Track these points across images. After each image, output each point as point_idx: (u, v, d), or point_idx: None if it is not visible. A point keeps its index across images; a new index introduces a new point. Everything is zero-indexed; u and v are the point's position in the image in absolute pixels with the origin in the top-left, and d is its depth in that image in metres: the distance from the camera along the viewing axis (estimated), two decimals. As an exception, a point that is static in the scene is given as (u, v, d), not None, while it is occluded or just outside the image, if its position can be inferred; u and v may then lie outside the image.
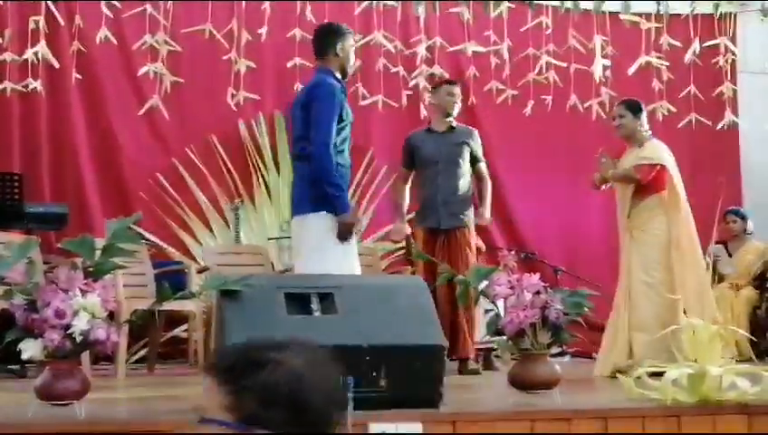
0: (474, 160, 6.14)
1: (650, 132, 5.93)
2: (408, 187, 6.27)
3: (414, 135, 6.27)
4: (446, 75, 8.14)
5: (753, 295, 7.62)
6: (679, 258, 5.61)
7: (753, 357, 5.02)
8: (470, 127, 6.48)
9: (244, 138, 8.09)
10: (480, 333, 6.36)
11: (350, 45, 4.73)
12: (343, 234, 4.47)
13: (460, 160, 6.04)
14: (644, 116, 5.94)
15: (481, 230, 6.80)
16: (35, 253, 4.79)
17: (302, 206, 4.61)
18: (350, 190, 8.13)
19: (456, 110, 6.19)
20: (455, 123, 6.19)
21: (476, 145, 6.17)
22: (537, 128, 8.26)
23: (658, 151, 5.82)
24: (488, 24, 7.84)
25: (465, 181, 6.04)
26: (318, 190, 4.50)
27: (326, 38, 4.71)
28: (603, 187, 5.98)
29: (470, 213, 6.03)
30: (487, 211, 6.14)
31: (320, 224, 4.48)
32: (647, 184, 5.70)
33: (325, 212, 4.48)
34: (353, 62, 4.83)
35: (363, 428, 2.98)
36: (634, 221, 5.74)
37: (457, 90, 6.27)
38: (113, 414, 3.42)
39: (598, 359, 5.75)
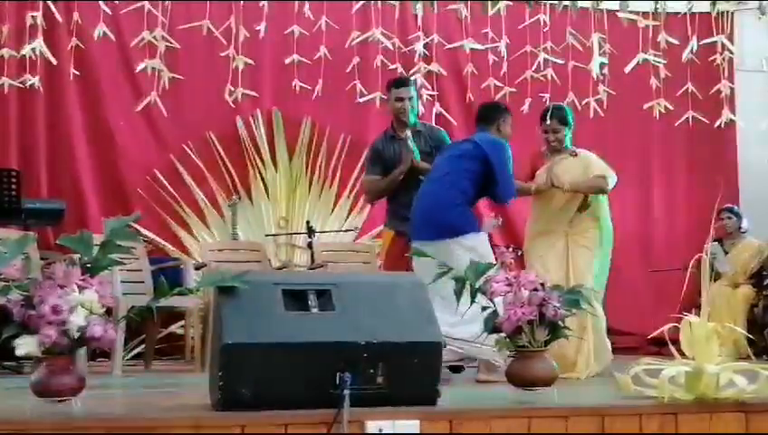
0: None
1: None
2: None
3: (380, 142, 5.88)
4: (444, 73, 8.15)
5: (750, 293, 7.63)
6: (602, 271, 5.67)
7: (751, 355, 5.03)
8: (434, 126, 6.27)
9: (242, 134, 8.09)
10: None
11: (509, 124, 5.54)
12: None
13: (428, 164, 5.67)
14: (570, 126, 5.81)
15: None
16: (32, 249, 4.80)
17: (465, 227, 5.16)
18: (348, 188, 8.17)
19: (410, 113, 5.70)
20: (419, 125, 5.82)
21: (444, 143, 5.79)
22: (535, 125, 8.24)
23: (600, 160, 5.79)
24: (486, 22, 7.85)
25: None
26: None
27: (496, 112, 5.54)
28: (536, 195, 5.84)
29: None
30: None
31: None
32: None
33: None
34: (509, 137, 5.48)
35: (360, 425, 2.98)
36: (575, 227, 5.69)
37: (406, 91, 5.75)
38: (110, 410, 3.42)
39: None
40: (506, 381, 4.78)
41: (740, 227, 7.97)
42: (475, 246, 4.98)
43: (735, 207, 8.11)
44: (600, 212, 5.75)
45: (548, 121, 5.76)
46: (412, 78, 6.77)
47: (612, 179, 5.74)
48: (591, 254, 5.65)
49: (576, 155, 5.78)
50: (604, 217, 5.79)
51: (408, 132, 5.65)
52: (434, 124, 6.77)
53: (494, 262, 4.85)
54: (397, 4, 7.81)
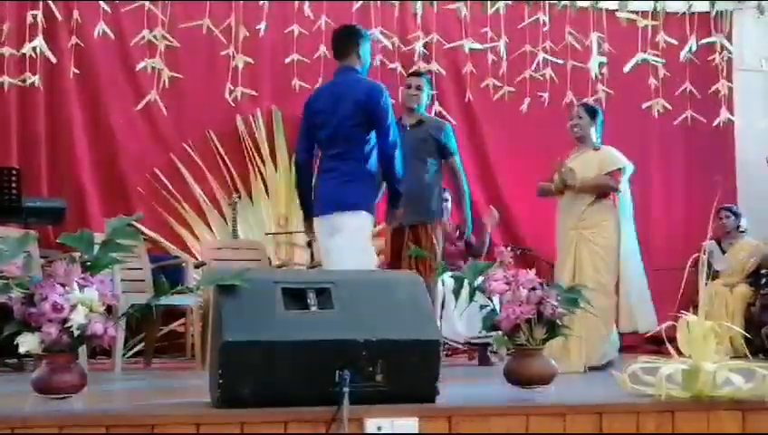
0: (444, 155, 5.85)
1: (601, 140, 5.96)
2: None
3: None
4: (443, 72, 8.16)
5: (747, 292, 7.64)
6: (625, 263, 5.71)
7: (748, 353, 5.04)
8: (441, 120, 6.31)
9: (242, 133, 8.10)
10: (476, 329, 6.39)
11: (368, 48, 5.00)
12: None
13: (425, 156, 5.75)
14: (599, 123, 5.96)
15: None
16: (33, 247, 4.82)
17: (347, 204, 4.75)
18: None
19: (417, 102, 5.86)
20: (425, 117, 5.93)
21: (447, 139, 5.85)
22: (533, 124, 8.27)
23: (621, 155, 5.89)
24: (485, 21, 7.87)
25: (430, 177, 5.77)
26: (361, 189, 4.77)
27: (349, 39, 4.94)
28: (558, 196, 5.94)
29: (435, 208, 5.80)
30: (467, 225, 6.04)
31: (366, 223, 4.77)
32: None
33: (366, 212, 4.77)
34: (368, 65, 5.04)
35: (359, 423, 3.00)
36: (587, 222, 5.79)
37: (416, 81, 5.94)
38: (110, 408, 3.43)
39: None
40: None
41: (738, 227, 7.98)
42: (343, 225, 4.70)
43: (735, 207, 8.13)
44: (615, 209, 5.81)
45: (576, 109, 6.02)
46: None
47: (628, 169, 5.84)
48: (600, 247, 5.71)
49: (598, 149, 5.89)
50: (622, 212, 5.85)
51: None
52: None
53: (369, 247, 4.79)
54: (396, 3, 7.83)
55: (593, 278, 5.64)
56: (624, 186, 5.92)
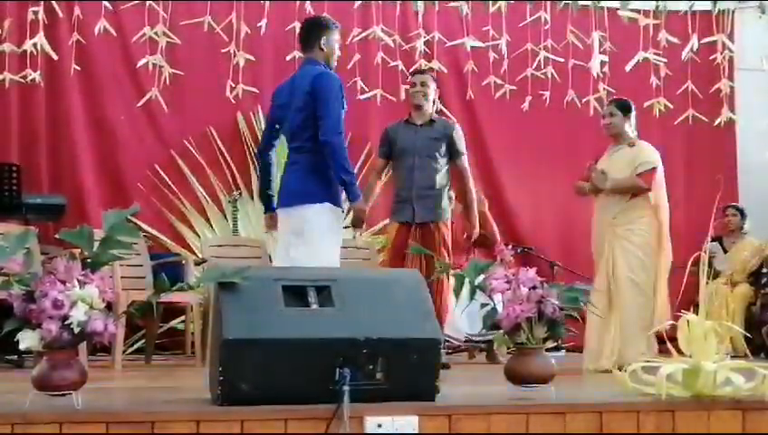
0: (453, 155, 5.88)
1: (637, 133, 5.92)
2: (379, 180, 6.16)
3: (392, 126, 6.02)
4: (445, 70, 8.16)
5: (748, 292, 7.65)
6: (662, 261, 5.69)
7: (748, 353, 5.04)
8: (451, 120, 6.35)
9: (243, 130, 8.10)
10: (477, 328, 6.39)
11: (335, 39, 4.84)
12: (358, 221, 4.78)
13: (437, 154, 5.80)
14: (633, 116, 5.93)
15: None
16: (33, 243, 4.81)
17: (307, 196, 4.64)
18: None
19: (424, 100, 5.87)
20: (435, 116, 5.95)
21: (456, 138, 5.89)
22: (535, 123, 8.27)
23: (653, 153, 5.85)
24: (487, 20, 7.87)
25: (441, 176, 5.83)
26: (322, 181, 4.63)
27: (312, 31, 4.84)
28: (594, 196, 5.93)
29: (445, 207, 5.86)
30: (476, 227, 6.04)
31: (328, 215, 4.64)
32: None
33: (329, 204, 4.64)
34: (337, 56, 4.88)
35: (359, 420, 3.00)
36: (620, 219, 5.75)
37: (422, 78, 5.96)
38: (110, 404, 3.43)
39: (585, 355, 5.78)
40: None
41: (742, 226, 7.99)
42: (309, 218, 4.62)
43: (740, 206, 8.13)
44: (657, 202, 5.81)
45: (607, 107, 5.98)
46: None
47: (656, 171, 5.80)
48: (634, 245, 5.69)
49: (633, 145, 5.84)
50: (661, 208, 5.84)
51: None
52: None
53: (331, 239, 4.73)
54: (398, 1, 7.82)
55: (627, 278, 5.63)
56: (658, 184, 5.84)
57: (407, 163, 5.84)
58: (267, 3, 7.54)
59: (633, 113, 5.93)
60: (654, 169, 5.78)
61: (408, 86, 6.19)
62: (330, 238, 4.66)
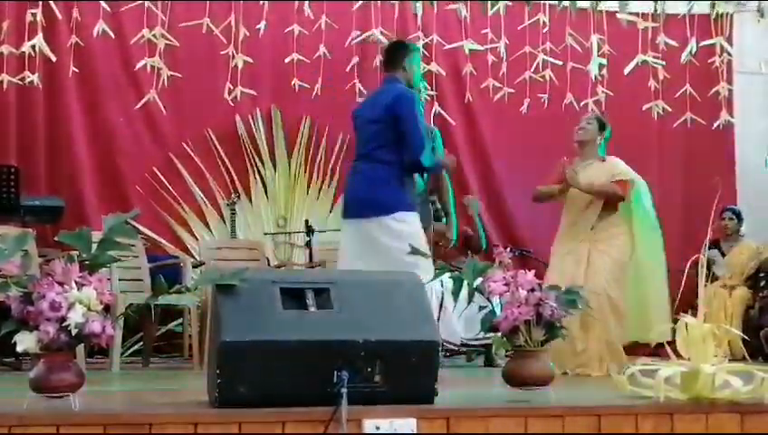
0: None
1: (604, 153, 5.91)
2: None
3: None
4: (443, 73, 8.16)
5: (746, 295, 7.65)
6: (638, 277, 5.68)
7: (746, 356, 5.04)
8: (430, 125, 6.31)
9: (241, 133, 8.10)
10: (473, 331, 6.38)
11: (416, 61, 5.29)
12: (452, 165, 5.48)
13: None
14: (606, 136, 5.89)
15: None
16: (31, 245, 4.81)
17: (394, 207, 4.94)
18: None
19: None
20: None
21: (437, 143, 5.86)
22: (533, 126, 8.26)
23: (629, 170, 5.84)
24: (485, 22, 7.85)
25: (419, 181, 5.70)
26: (400, 191, 4.97)
27: (397, 53, 5.26)
28: (560, 197, 5.90)
29: (428, 209, 5.86)
30: (451, 230, 6.05)
31: (414, 224, 4.95)
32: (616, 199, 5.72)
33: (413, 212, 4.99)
34: (417, 77, 5.30)
35: (358, 423, 2.99)
36: (598, 235, 5.71)
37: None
38: (108, 407, 3.43)
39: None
40: None
41: (739, 230, 7.99)
42: (400, 228, 4.88)
43: (738, 209, 8.13)
44: (632, 219, 5.77)
45: (586, 117, 5.98)
46: None
47: (640, 185, 5.80)
48: (612, 260, 5.65)
49: (604, 160, 5.83)
50: (638, 224, 5.79)
51: None
52: (430, 124, 6.76)
53: (424, 243, 4.85)
54: (396, 3, 7.81)
55: (605, 292, 5.59)
56: (646, 199, 5.83)
57: None
58: (266, 5, 7.52)
59: (607, 135, 5.89)
60: (630, 181, 5.75)
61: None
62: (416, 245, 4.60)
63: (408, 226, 4.93)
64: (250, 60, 7.55)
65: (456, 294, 3.62)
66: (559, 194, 5.90)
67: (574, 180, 5.71)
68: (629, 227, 5.77)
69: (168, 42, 7.28)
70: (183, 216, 7.93)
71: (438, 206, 6.49)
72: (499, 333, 3.55)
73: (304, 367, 3.11)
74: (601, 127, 5.88)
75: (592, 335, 5.54)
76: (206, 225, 8.01)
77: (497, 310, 3.56)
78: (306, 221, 7.66)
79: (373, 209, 4.92)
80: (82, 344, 3.22)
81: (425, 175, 5.75)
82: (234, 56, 7.44)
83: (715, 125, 8.08)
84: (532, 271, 3.59)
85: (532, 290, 3.51)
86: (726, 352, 3.80)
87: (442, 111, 8.01)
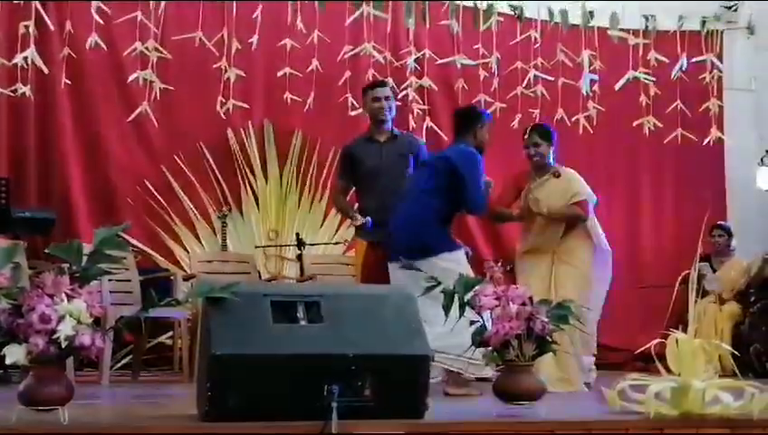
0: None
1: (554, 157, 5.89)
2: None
3: (353, 145, 5.79)
4: (435, 87, 8.18)
5: (736, 311, 7.67)
6: (593, 291, 5.69)
7: (736, 372, 5.04)
8: (414, 136, 6.32)
9: (233, 146, 8.10)
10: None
11: (486, 129, 5.41)
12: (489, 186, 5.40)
13: (405, 172, 5.60)
14: (554, 142, 5.87)
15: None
16: (21, 258, 4.78)
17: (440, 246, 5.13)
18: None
19: (389, 114, 5.68)
20: (397, 131, 5.79)
21: (423, 155, 5.72)
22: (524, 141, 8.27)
23: (584, 185, 5.83)
24: (477, 38, 7.88)
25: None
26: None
27: (469, 120, 5.40)
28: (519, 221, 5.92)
29: None
30: None
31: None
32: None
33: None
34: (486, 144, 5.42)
35: (347, 437, 2.99)
36: (561, 248, 5.73)
37: (383, 91, 5.73)
38: (97, 420, 3.42)
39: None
40: (475, 394, 4.81)
41: (729, 245, 8.02)
42: (449, 267, 4.78)
43: (727, 225, 8.16)
44: (592, 231, 5.78)
45: (527, 136, 5.85)
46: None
47: (591, 201, 5.81)
48: (578, 272, 5.66)
49: (559, 175, 5.79)
50: (597, 236, 5.81)
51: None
52: (417, 136, 6.76)
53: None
54: (389, 18, 7.83)
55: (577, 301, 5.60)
56: (591, 215, 5.83)
57: (375, 183, 5.60)
58: (258, 19, 7.53)
59: (555, 139, 5.87)
60: (586, 200, 5.77)
61: (359, 105, 6.10)
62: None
63: (455, 263, 4.97)
64: (242, 73, 7.55)
65: (446, 308, 3.62)
66: (517, 218, 5.93)
67: (538, 207, 5.71)
68: (590, 243, 5.77)
69: (160, 55, 7.28)
70: (174, 228, 7.92)
71: None
72: (490, 348, 3.55)
73: (294, 381, 3.11)
74: (549, 138, 5.84)
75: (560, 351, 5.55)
76: (197, 237, 7.99)
77: (488, 324, 3.56)
78: (297, 234, 7.66)
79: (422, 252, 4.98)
80: (72, 357, 3.21)
81: None
82: (226, 69, 7.45)
83: (706, 141, 8.11)
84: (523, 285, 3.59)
85: (523, 304, 3.52)
86: (716, 367, 3.82)
87: (434, 126, 8.02)
